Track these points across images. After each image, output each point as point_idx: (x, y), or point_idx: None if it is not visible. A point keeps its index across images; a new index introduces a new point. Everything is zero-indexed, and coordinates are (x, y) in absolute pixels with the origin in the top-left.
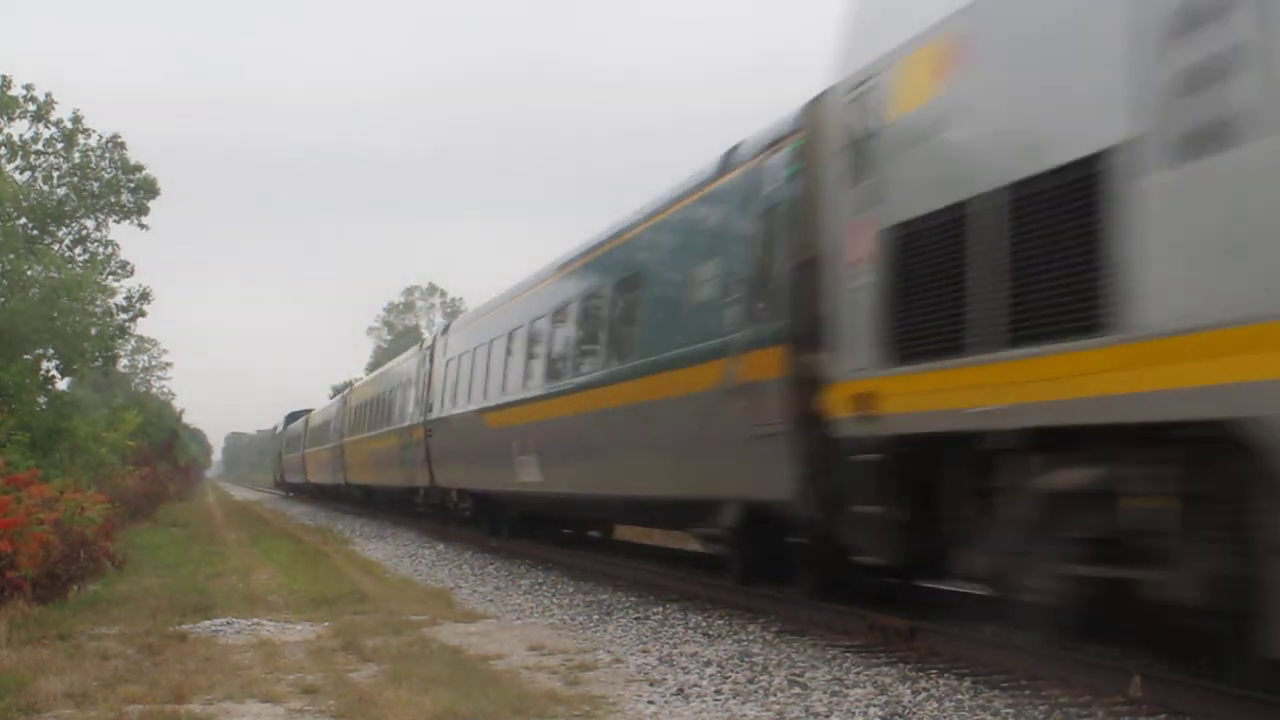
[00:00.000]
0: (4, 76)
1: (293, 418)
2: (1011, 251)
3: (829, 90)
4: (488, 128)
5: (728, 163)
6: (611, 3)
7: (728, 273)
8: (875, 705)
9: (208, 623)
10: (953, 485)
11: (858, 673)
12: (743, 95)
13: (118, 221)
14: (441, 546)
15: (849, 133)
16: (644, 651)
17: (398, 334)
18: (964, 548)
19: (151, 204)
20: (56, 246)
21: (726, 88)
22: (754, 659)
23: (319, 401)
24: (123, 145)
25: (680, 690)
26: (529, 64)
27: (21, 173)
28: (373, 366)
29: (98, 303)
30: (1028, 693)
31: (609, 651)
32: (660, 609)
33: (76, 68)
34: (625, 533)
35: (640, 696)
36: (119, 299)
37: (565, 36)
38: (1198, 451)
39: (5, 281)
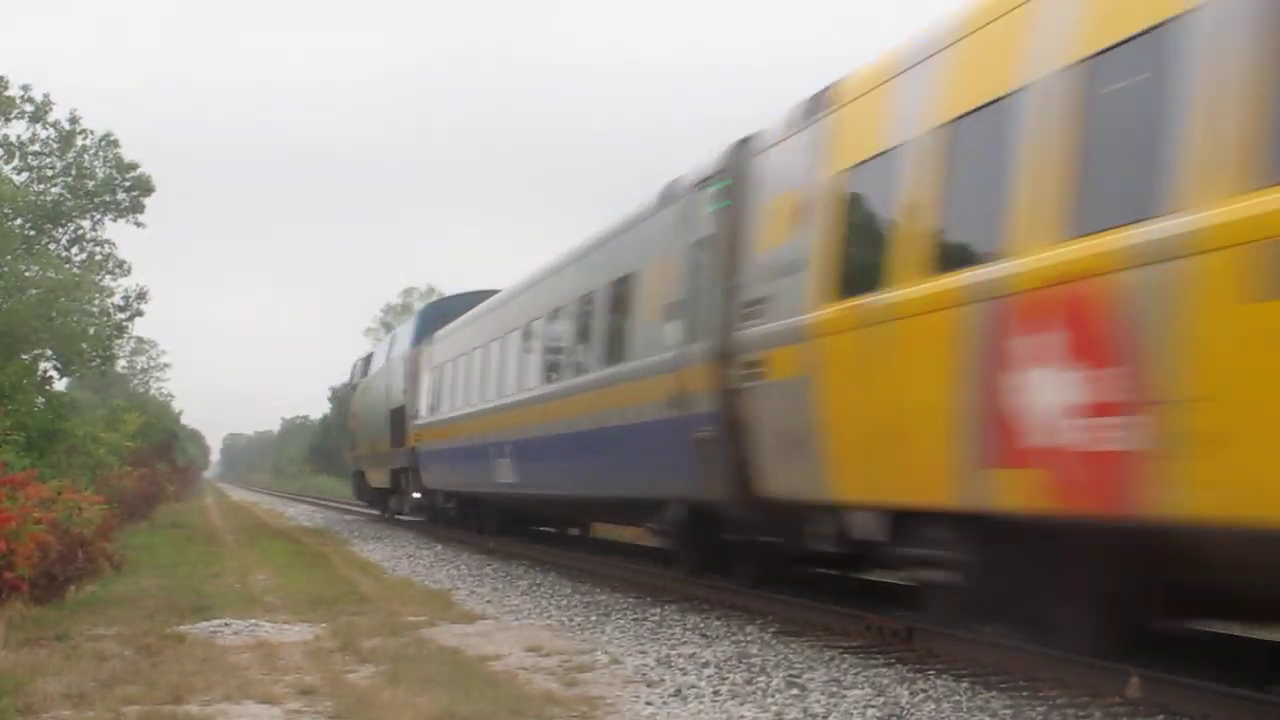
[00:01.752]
0: (1, 77)
1: (448, 308)
2: None
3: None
4: (487, 131)
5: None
6: (611, 3)
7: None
8: (873, 706)
9: (205, 624)
10: None
11: (855, 674)
12: (747, 97)
13: (114, 220)
14: (440, 547)
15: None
16: (642, 652)
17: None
18: None
19: (148, 207)
20: (53, 246)
21: (728, 89)
22: (752, 660)
23: (318, 406)
24: (117, 144)
25: (678, 691)
26: (526, 65)
27: (19, 173)
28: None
29: (95, 303)
30: (1025, 694)
31: (607, 652)
32: (658, 610)
33: (66, 68)
34: (625, 533)
35: (638, 697)
36: (116, 298)
37: (574, 38)
38: None
39: (3, 282)
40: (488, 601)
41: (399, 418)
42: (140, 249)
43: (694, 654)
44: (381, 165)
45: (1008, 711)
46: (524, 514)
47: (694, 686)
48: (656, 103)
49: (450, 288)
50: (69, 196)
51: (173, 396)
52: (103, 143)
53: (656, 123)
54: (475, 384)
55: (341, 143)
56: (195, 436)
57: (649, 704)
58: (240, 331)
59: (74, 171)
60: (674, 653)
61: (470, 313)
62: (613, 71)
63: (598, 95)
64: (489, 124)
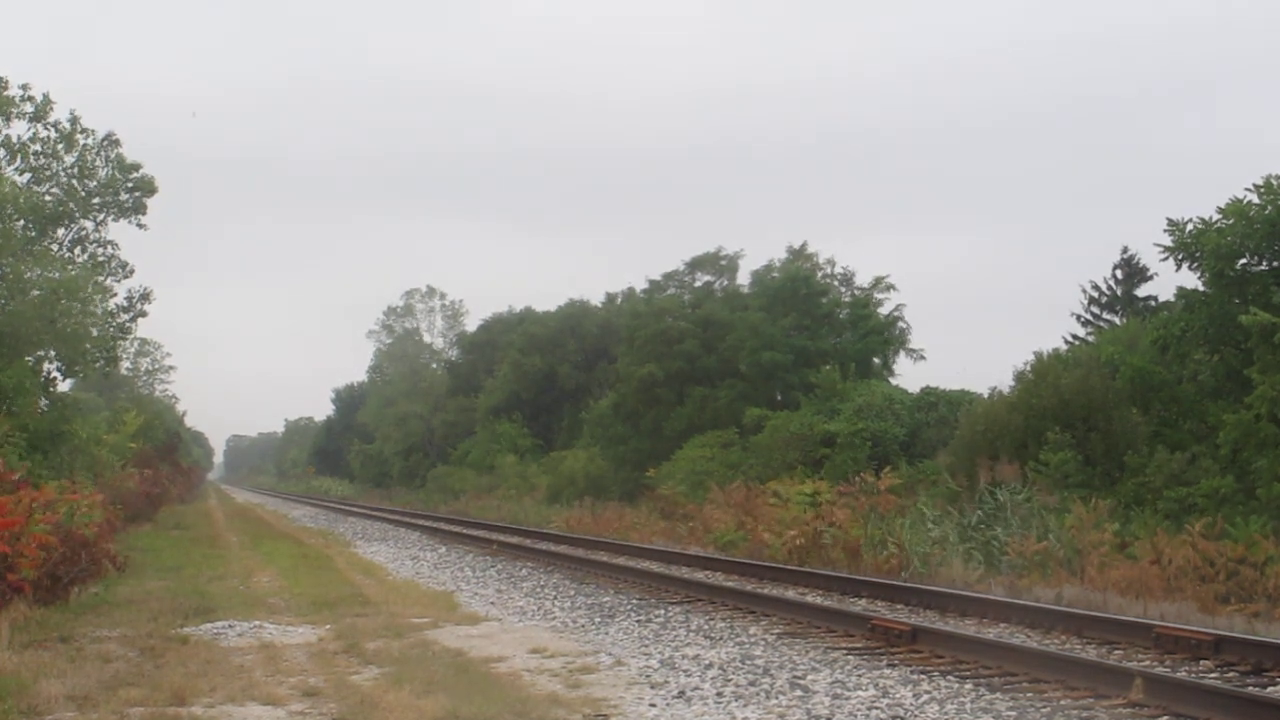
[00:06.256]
0: (1, 77)
1: None
2: None
3: None
4: (487, 138)
5: None
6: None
7: None
8: (877, 708)
9: (209, 625)
10: None
11: (860, 675)
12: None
13: (115, 220)
14: (444, 549)
15: None
16: (645, 654)
17: (397, 337)
18: None
19: (152, 210)
20: (55, 248)
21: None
22: (756, 661)
23: (322, 407)
24: (118, 144)
25: (682, 693)
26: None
27: (21, 174)
28: (374, 370)
29: (98, 304)
30: (1029, 695)
31: (610, 654)
32: (662, 611)
33: (69, 70)
34: (628, 535)
35: (641, 699)
36: (119, 299)
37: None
38: None
39: (5, 284)
40: (491, 603)
41: None
42: (143, 252)
43: (698, 655)
44: (386, 169)
45: (1012, 713)
46: None
47: (698, 688)
48: (641, 124)
49: (450, 289)
50: (69, 199)
51: (176, 398)
52: (104, 142)
53: (637, 144)
54: None
55: (341, 147)
56: (199, 438)
57: (653, 706)
58: (243, 333)
59: (76, 172)
60: (678, 654)
61: None
62: (614, 97)
63: (594, 120)
64: (490, 129)
